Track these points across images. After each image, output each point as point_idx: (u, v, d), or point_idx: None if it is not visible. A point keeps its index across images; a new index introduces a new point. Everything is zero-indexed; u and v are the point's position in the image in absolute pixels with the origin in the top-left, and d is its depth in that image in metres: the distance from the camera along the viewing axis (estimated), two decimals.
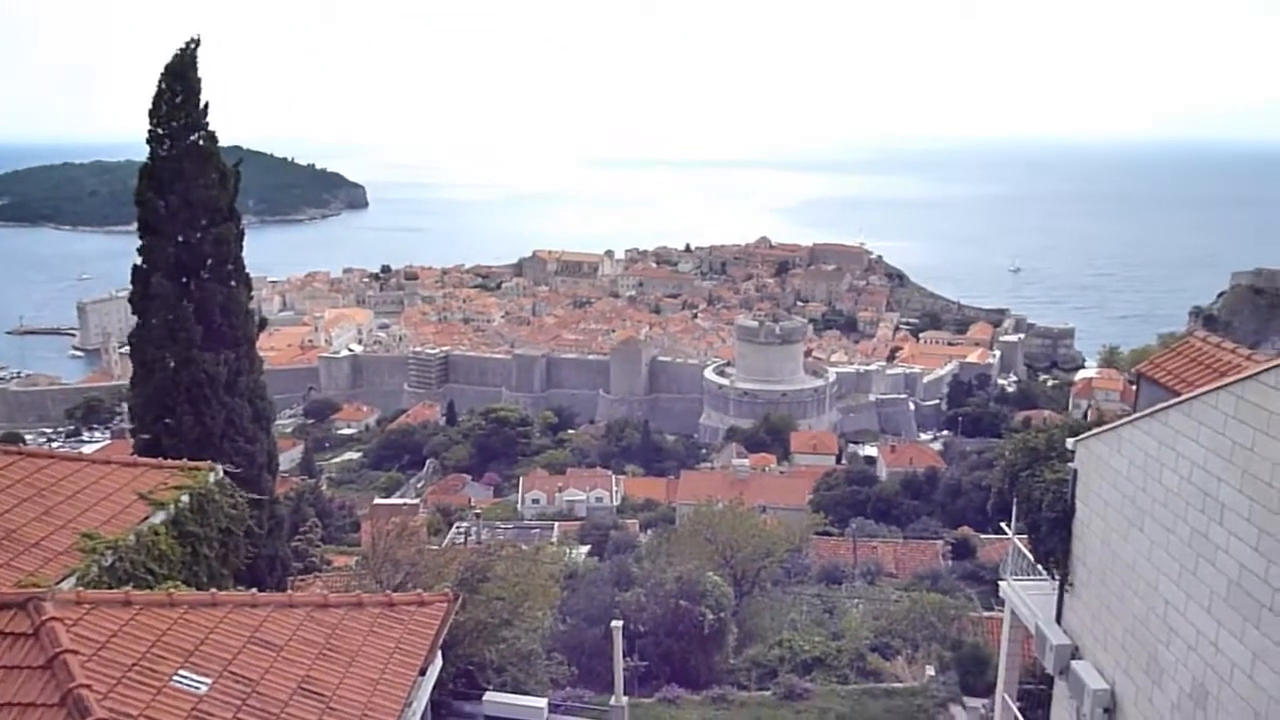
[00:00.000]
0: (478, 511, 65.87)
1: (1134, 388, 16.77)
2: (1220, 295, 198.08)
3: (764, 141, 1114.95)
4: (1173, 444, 12.94)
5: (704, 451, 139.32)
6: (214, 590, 11.62)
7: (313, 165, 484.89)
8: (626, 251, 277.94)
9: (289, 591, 17.51)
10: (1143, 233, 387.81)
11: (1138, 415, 14.03)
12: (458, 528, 60.58)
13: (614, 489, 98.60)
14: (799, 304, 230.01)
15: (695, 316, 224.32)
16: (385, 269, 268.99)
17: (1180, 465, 12.76)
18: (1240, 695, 11.62)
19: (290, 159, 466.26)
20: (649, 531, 64.96)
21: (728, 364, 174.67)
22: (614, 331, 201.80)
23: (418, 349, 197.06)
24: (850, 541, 57.95)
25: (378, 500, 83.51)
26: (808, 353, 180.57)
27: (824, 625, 33.82)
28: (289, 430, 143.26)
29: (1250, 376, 11.43)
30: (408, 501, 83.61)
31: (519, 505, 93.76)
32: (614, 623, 21.26)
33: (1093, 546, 15.37)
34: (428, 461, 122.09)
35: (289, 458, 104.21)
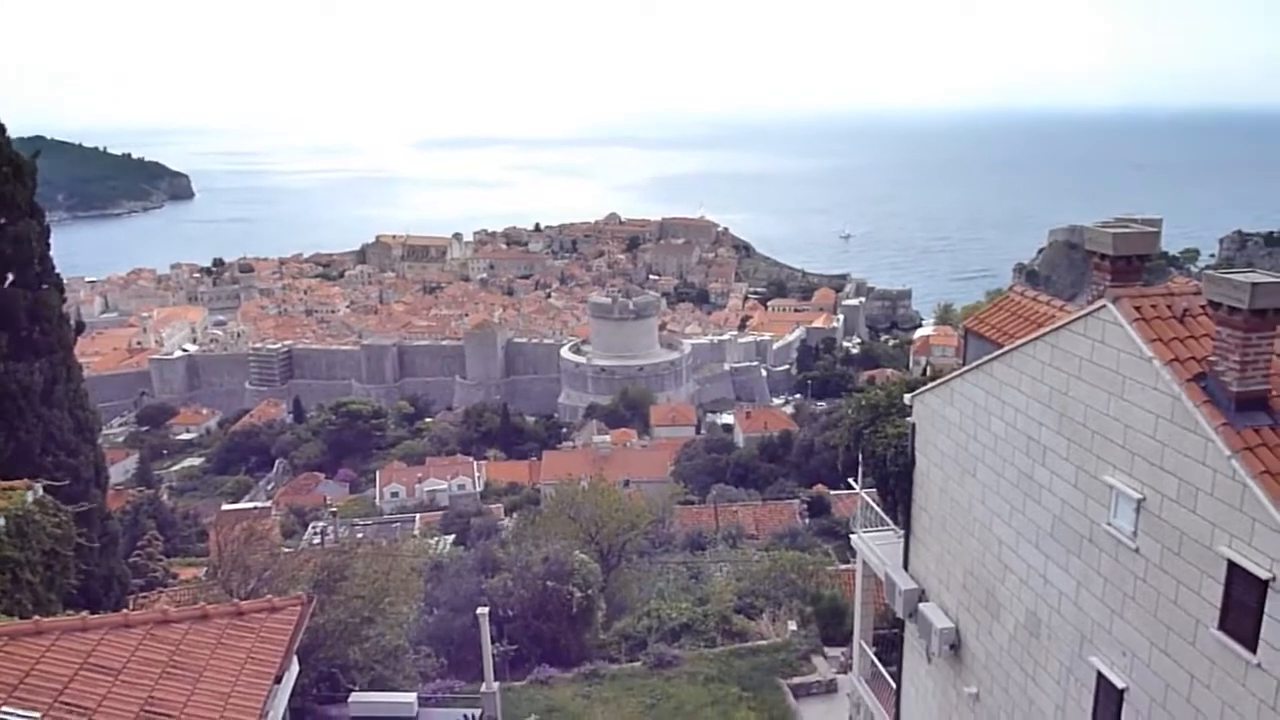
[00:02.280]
0: (333, 510, 63.90)
1: (963, 343, 17.80)
2: (1040, 252, 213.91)
3: (604, 118, 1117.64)
4: (998, 393, 13.82)
5: (565, 431, 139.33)
6: (38, 617, 10.73)
7: (128, 155, 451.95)
8: (475, 233, 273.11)
9: (125, 611, 16.46)
10: (974, 196, 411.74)
11: (966, 368, 14.91)
12: (313, 528, 58.68)
13: (476, 475, 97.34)
14: (651, 278, 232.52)
15: (549, 296, 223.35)
16: (218, 262, 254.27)
17: (1005, 412, 13.66)
18: (1068, 621, 12.61)
19: (102, 149, 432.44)
20: (513, 515, 64.59)
21: (584, 342, 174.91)
22: (466, 316, 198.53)
23: (258, 345, 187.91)
24: (712, 508, 59.52)
25: (225, 506, 79.44)
26: (662, 326, 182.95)
27: (690, 591, 34.59)
28: (120, 440, 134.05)
29: (1062, 326, 12.33)
30: (258, 505, 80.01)
31: (377, 500, 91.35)
32: (480, 610, 21.06)
33: (933, 494, 16.28)
34: (277, 462, 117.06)
35: (122, 469, 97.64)
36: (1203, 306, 10.65)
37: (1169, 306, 11.13)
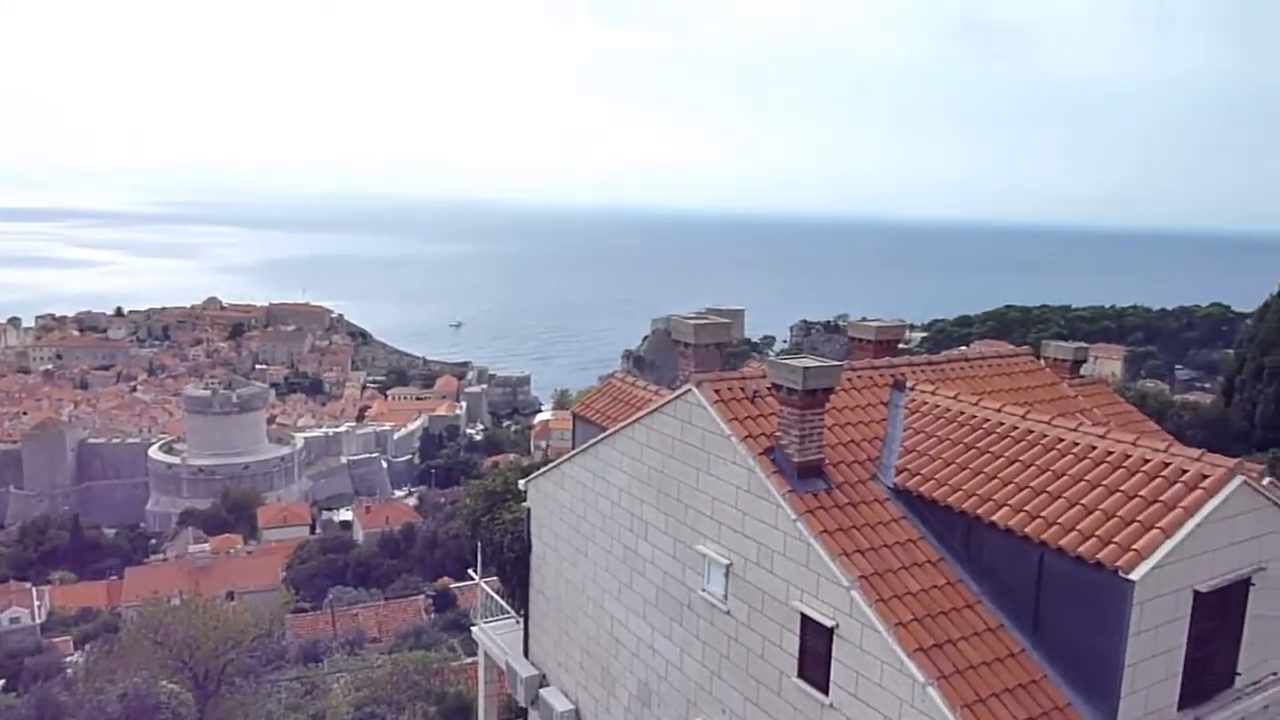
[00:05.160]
0: None
1: (573, 427, 18.52)
2: (645, 339, 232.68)
3: (195, 193, 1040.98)
4: (604, 474, 14.49)
5: (154, 542, 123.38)
6: None
7: None
8: (38, 318, 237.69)
9: None
10: (590, 286, 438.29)
11: (574, 452, 15.48)
12: None
13: (36, 604, 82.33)
14: (258, 368, 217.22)
15: (134, 389, 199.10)
16: None
17: (611, 492, 14.33)
18: (675, 688, 13.29)
19: None
20: (85, 648, 55.43)
21: (177, 440, 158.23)
22: (25, 414, 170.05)
23: None
24: (329, 613, 55.85)
25: None
26: (271, 419, 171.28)
27: (303, 709, 31.82)
28: None
29: (656, 409, 13.28)
30: None
31: None
32: None
33: (549, 577, 16.54)
34: None
35: None
36: (769, 388, 12.04)
37: (743, 389, 12.46)
